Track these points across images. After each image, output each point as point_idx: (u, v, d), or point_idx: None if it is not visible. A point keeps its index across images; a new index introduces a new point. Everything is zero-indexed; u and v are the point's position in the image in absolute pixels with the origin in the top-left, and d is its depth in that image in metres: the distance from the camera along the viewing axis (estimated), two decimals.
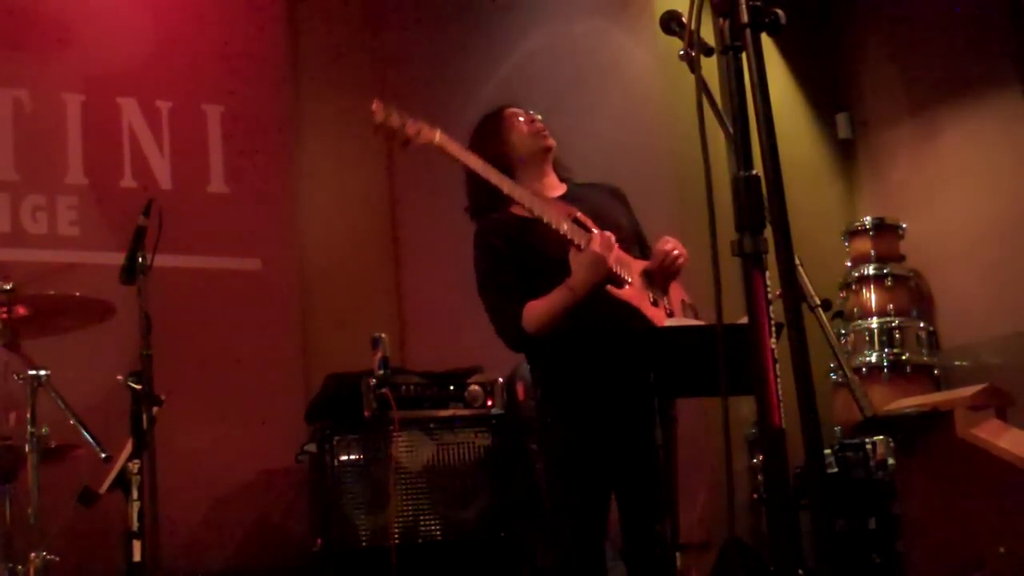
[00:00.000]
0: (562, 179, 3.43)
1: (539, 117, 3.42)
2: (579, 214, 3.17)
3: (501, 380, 4.34)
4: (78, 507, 3.64)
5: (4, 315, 3.53)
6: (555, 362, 3.15)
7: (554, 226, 3.06)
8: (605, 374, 3.07)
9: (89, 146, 4.88)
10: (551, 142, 3.39)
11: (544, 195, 3.29)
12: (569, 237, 3.07)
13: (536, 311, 3.13)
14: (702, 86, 1.88)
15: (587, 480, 3.14)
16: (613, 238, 3.10)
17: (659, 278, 3.22)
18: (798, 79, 6.44)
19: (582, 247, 3.04)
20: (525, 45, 5.80)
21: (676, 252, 3.20)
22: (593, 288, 3.05)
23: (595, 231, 3.10)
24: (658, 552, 3.12)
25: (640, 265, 3.23)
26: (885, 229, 5.84)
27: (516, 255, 3.19)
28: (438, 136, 3.11)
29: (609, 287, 3.07)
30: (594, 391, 3.09)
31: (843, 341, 5.64)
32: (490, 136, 3.38)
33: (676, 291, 3.28)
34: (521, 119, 3.39)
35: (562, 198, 3.33)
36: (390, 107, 3.12)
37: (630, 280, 3.13)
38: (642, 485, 3.15)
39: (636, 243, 3.36)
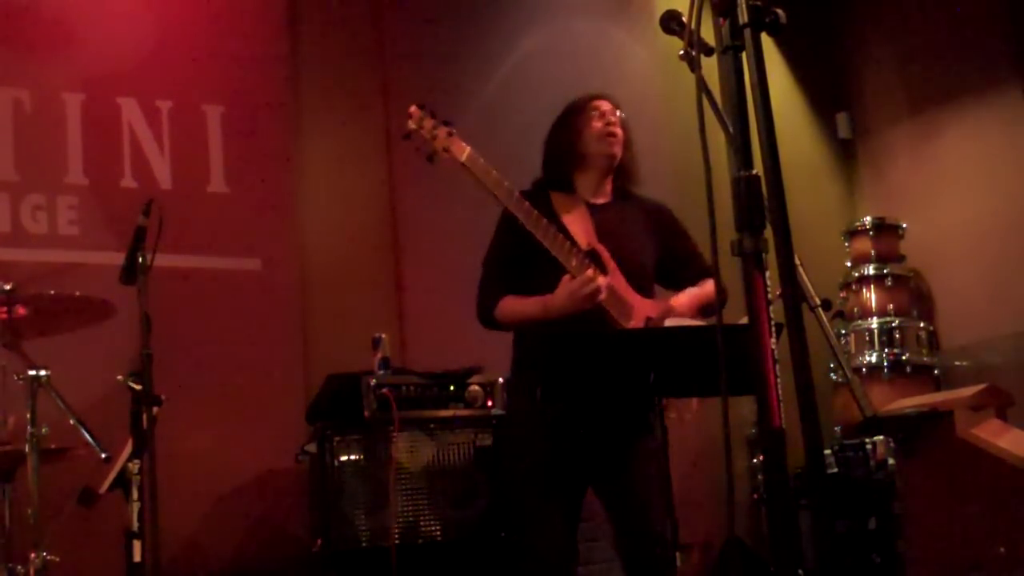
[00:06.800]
0: (616, 188, 3.42)
1: (616, 119, 3.37)
2: (600, 247, 3.21)
3: (501, 380, 4.34)
4: (78, 507, 3.64)
5: (4, 315, 3.52)
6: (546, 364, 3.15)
7: (553, 252, 3.10)
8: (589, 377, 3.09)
9: (89, 146, 4.87)
10: (615, 150, 3.35)
11: (582, 201, 3.33)
12: (568, 264, 3.10)
13: (510, 306, 3.23)
14: (702, 86, 1.88)
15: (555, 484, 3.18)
16: (606, 287, 3.11)
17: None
18: (798, 79, 6.45)
19: (574, 276, 3.09)
20: (525, 45, 5.80)
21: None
22: (565, 316, 3.11)
23: (600, 276, 3.11)
24: (658, 552, 3.13)
25: (648, 308, 3.27)
26: (885, 229, 5.84)
27: (529, 248, 3.19)
28: (466, 156, 3.12)
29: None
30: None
31: (843, 341, 5.64)
32: (568, 123, 3.38)
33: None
34: (599, 115, 3.36)
35: (601, 207, 3.35)
36: (425, 114, 3.14)
37: (626, 326, 3.17)
38: (626, 486, 3.20)
39: (665, 273, 3.41)
